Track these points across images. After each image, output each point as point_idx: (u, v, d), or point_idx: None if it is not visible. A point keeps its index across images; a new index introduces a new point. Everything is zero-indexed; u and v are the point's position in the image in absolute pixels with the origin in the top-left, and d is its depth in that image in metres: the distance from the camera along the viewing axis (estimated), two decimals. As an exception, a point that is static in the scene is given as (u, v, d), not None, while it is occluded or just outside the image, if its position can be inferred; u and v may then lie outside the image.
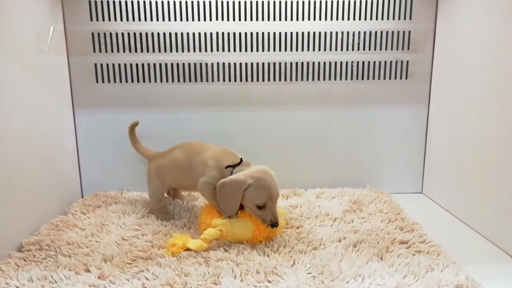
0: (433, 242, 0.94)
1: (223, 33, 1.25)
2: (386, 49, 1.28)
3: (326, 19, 1.26)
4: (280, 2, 1.24)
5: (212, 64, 1.27)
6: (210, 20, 1.24)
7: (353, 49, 1.28)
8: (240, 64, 1.28)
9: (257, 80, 1.29)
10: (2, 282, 0.78)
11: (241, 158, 1.00)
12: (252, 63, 1.28)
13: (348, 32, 1.27)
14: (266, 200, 0.92)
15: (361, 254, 0.89)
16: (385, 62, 1.29)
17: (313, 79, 1.30)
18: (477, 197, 1.06)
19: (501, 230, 0.97)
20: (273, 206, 0.93)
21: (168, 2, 1.22)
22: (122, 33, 1.24)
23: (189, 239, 0.92)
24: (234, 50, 1.27)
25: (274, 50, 1.27)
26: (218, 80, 1.29)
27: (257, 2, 1.23)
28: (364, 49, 1.28)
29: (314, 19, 1.26)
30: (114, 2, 1.22)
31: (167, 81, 1.28)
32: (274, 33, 1.26)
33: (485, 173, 1.03)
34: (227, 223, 0.93)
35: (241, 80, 1.29)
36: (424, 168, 1.38)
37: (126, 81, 1.27)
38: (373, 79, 1.31)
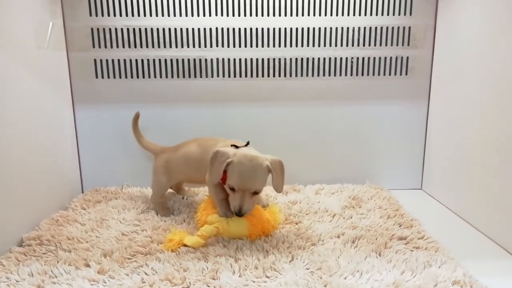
0: (431, 238, 0.94)
1: (222, 28, 1.25)
2: (386, 45, 1.28)
3: (326, 15, 1.25)
4: (280, -3, 1.23)
5: (211, 59, 1.27)
6: (210, 15, 1.24)
7: (353, 45, 1.28)
8: (240, 59, 1.28)
9: (257, 76, 1.29)
10: (2, 277, 0.79)
11: (247, 142, 1.01)
12: (251, 59, 1.28)
13: (348, 28, 1.26)
14: (235, 186, 0.90)
15: (360, 250, 0.89)
16: (385, 58, 1.29)
17: (312, 75, 1.30)
18: (476, 194, 1.07)
19: (499, 226, 0.97)
20: (244, 196, 0.90)
21: (168, -3, 1.22)
22: (122, 29, 1.24)
23: (186, 236, 0.92)
24: (234, 46, 1.26)
25: (274, 46, 1.27)
26: (218, 76, 1.29)
27: (256, -3, 1.23)
28: (364, 45, 1.28)
29: (314, 15, 1.25)
30: (113, -3, 1.22)
31: (166, 76, 1.28)
32: (274, 28, 1.26)
33: (484, 169, 1.03)
34: (223, 221, 0.94)
35: (240, 76, 1.29)
36: (423, 165, 1.38)
37: (126, 76, 1.27)
38: (373, 75, 1.30)
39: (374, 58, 1.29)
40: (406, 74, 1.31)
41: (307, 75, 1.30)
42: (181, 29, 1.24)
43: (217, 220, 0.94)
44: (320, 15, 1.25)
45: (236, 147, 0.98)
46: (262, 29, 1.25)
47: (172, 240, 0.91)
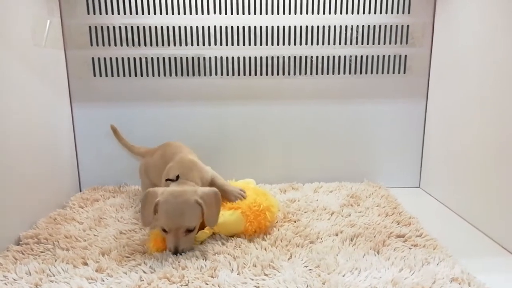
0: (429, 236, 0.94)
1: (220, 27, 1.25)
2: (384, 43, 1.28)
3: (324, 13, 1.25)
4: (278, -5, 1.23)
5: (209, 58, 1.27)
6: (208, 13, 1.24)
7: (351, 43, 1.28)
8: (238, 58, 1.27)
9: (255, 74, 1.29)
10: (0, 275, 0.79)
11: (177, 176, 0.94)
12: (250, 57, 1.28)
13: (346, 26, 1.26)
14: (163, 226, 0.85)
15: (358, 248, 0.89)
16: (383, 56, 1.29)
17: (311, 74, 1.30)
18: (474, 192, 1.07)
19: (497, 224, 0.97)
20: (177, 235, 0.85)
21: (166, -5, 1.22)
22: (120, 27, 1.23)
23: None
24: (232, 44, 1.26)
25: (272, 44, 1.27)
26: (216, 74, 1.29)
27: (255, -5, 1.23)
28: (362, 43, 1.28)
29: (312, 13, 1.25)
30: (111, -5, 1.21)
31: (164, 75, 1.28)
32: (272, 27, 1.25)
33: (482, 167, 1.03)
34: (220, 217, 0.93)
35: (239, 74, 1.29)
36: (421, 163, 1.38)
37: (124, 75, 1.27)
38: (371, 73, 1.30)
39: (373, 56, 1.29)
40: (404, 72, 1.31)
41: (305, 73, 1.30)
42: (179, 27, 1.24)
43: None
44: (318, 13, 1.25)
45: (171, 180, 0.93)
46: (260, 27, 1.25)
47: (159, 247, 0.88)
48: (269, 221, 0.97)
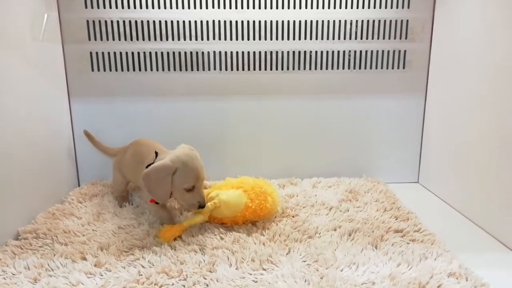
0: (427, 231, 0.94)
1: (219, 21, 1.24)
2: (383, 38, 1.27)
3: (323, 8, 1.24)
4: (277, -10, 1.22)
5: (208, 52, 1.26)
6: (207, 8, 1.23)
7: (350, 38, 1.27)
8: (237, 52, 1.27)
9: (254, 69, 1.29)
10: (-1, 270, 0.79)
11: (156, 152, 0.97)
12: (248, 52, 1.27)
13: (345, 21, 1.26)
14: (194, 182, 0.92)
15: (356, 243, 0.89)
16: (383, 51, 1.29)
17: (310, 68, 1.29)
18: (473, 187, 1.07)
19: (495, 219, 0.98)
20: (200, 187, 0.94)
21: (164, -11, 1.21)
22: (118, 21, 1.22)
23: (179, 228, 0.92)
24: (231, 39, 1.26)
25: (271, 39, 1.26)
26: (215, 69, 1.28)
27: (254, -11, 1.22)
28: (361, 38, 1.27)
29: (311, 7, 1.24)
30: (109, -11, 1.20)
31: (163, 69, 1.27)
32: (271, 21, 1.25)
33: (481, 163, 1.03)
34: (222, 194, 0.97)
35: (238, 69, 1.28)
36: (420, 158, 1.38)
37: (122, 69, 1.26)
38: (371, 68, 1.30)
39: (372, 51, 1.29)
40: (404, 67, 1.30)
41: (304, 68, 1.29)
42: (178, 21, 1.23)
43: (214, 194, 0.97)
44: (317, 7, 1.24)
45: (151, 164, 0.93)
46: (259, 21, 1.25)
47: (171, 230, 0.91)
48: (269, 203, 0.98)
